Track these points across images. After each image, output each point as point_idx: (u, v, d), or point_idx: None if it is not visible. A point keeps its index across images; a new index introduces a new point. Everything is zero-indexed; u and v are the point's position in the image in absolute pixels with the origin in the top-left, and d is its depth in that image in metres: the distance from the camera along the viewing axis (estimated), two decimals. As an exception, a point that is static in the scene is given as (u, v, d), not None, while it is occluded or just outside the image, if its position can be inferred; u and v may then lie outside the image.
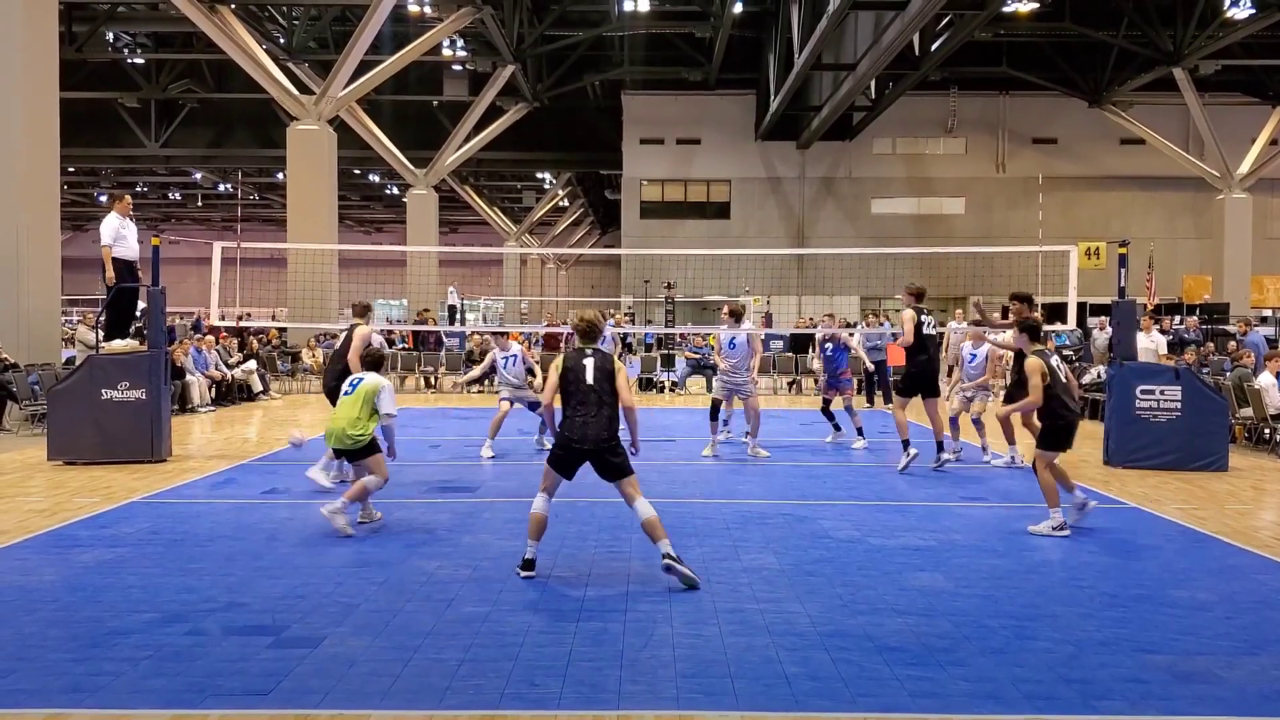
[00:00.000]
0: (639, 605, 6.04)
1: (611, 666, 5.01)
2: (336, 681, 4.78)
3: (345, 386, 8.46)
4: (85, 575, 6.67)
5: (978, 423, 12.50)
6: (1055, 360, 8.41)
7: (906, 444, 11.24)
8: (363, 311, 10.39)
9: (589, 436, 6.76)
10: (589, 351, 7.06)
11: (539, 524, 6.82)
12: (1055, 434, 8.26)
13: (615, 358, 7.16)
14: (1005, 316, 11.84)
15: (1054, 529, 8.11)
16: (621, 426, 6.90)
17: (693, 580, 6.44)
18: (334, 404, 9.22)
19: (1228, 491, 10.29)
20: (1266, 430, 13.65)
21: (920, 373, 11.33)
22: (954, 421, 12.37)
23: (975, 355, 12.44)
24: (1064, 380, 8.36)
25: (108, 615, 5.78)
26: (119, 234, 13.11)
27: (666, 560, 6.50)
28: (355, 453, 8.22)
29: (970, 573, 6.89)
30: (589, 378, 6.90)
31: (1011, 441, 11.73)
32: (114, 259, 13.34)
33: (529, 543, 6.81)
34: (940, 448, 11.42)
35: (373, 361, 8.60)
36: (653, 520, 6.63)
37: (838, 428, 14.00)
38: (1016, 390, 10.28)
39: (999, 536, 8.08)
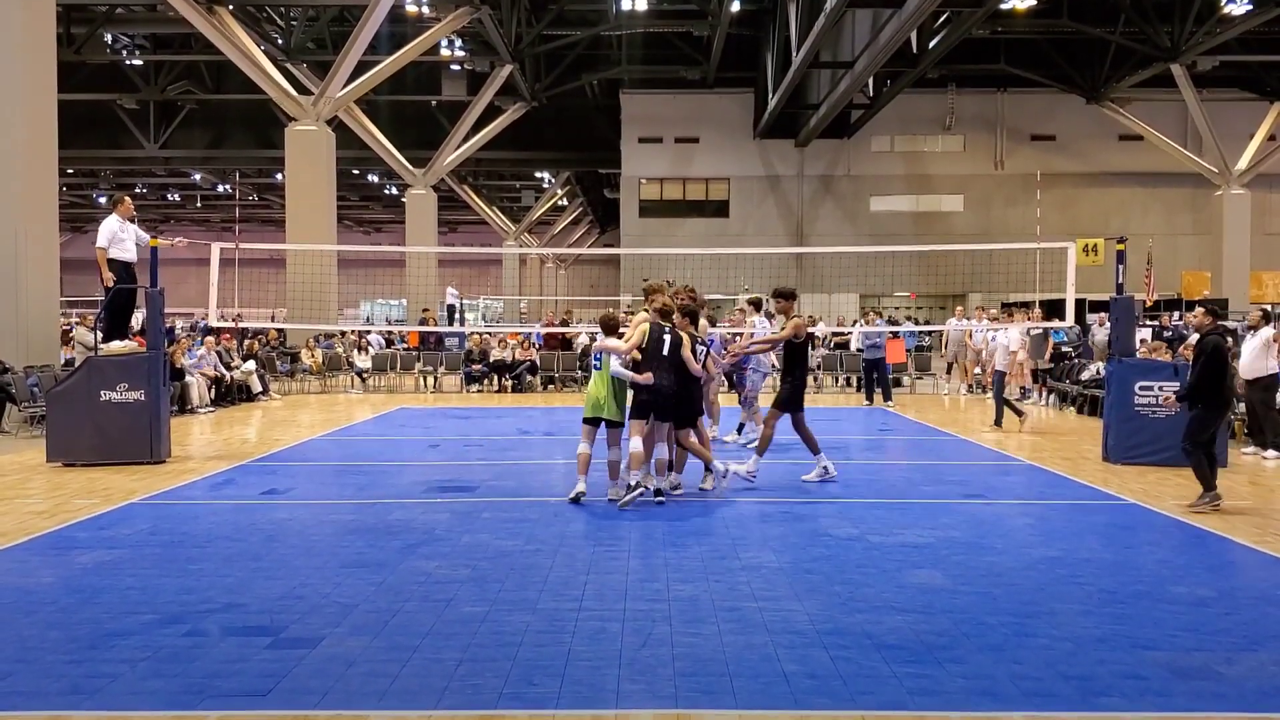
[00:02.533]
0: (637, 604, 6.04)
1: (610, 665, 5.01)
2: (335, 682, 4.78)
3: (593, 361, 9.68)
4: (84, 577, 6.67)
5: None
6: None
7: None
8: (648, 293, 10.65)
9: (662, 391, 9.13)
10: (666, 329, 9.42)
11: (639, 458, 9.13)
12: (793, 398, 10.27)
13: (683, 334, 9.44)
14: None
15: (748, 473, 10.03)
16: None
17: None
18: None
19: (1226, 487, 10.23)
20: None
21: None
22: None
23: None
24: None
25: (106, 617, 5.78)
26: (116, 237, 13.07)
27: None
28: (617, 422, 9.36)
29: (969, 570, 6.89)
30: (665, 350, 9.28)
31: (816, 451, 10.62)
32: (114, 260, 13.33)
33: (632, 471, 9.10)
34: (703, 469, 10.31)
35: (605, 327, 9.70)
36: (697, 449, 9.67)
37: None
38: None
39: (998, 534, 8.08)
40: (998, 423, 15.43)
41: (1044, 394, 19.57)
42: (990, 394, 16.46)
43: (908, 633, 5.52)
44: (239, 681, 4.78)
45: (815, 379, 23.76)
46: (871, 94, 36.43)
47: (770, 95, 34.94)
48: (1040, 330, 20.06)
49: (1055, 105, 39.70)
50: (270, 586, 6.44)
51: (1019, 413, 15.39)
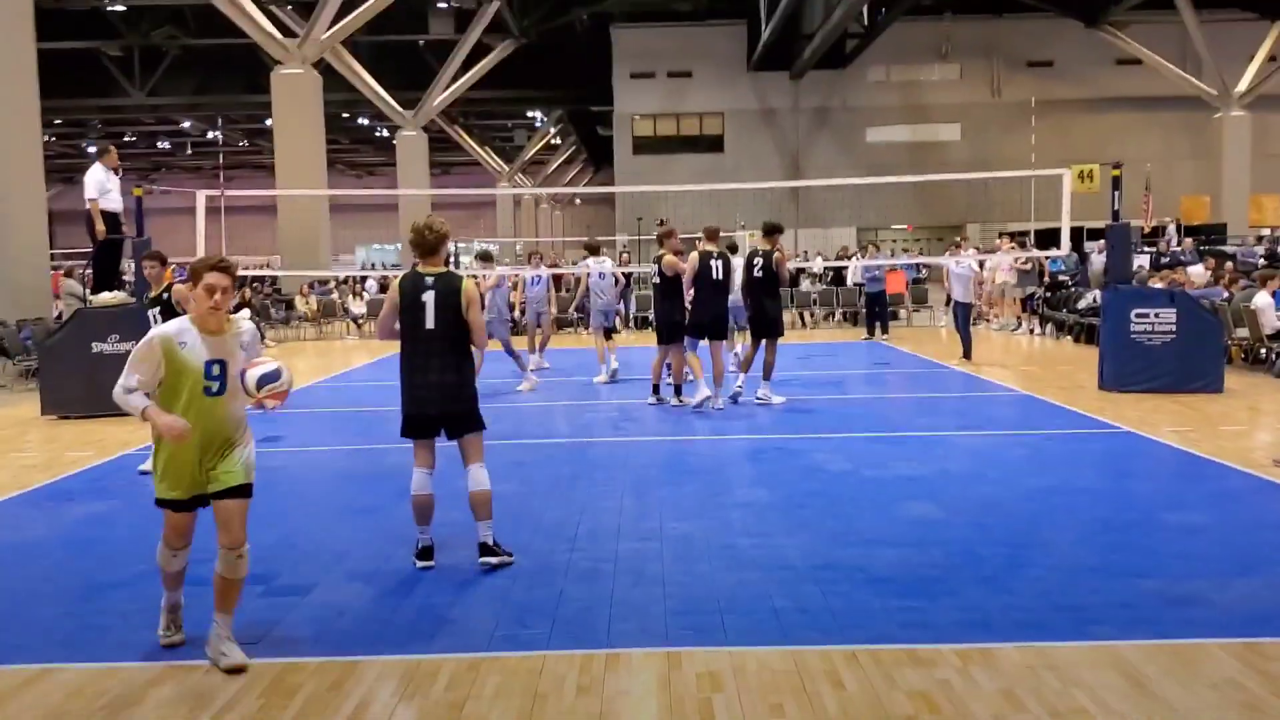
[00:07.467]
0: (630, 543, 6.03)
1: (602, 606, 5.00)
2: (326, 628, 4.79)
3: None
4: (77, 529, 6.67)
5: None
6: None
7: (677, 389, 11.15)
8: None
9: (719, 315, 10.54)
10: (716, 254, 10.24)
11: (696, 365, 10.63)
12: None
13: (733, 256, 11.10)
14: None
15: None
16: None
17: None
18: None
19: (1222, 413, 10.25)
20: (1263, 350, 13.59)
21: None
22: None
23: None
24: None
25: (98, 568, 5.78)
26: (104, 187, 12.93)
27: None
28: None
29: (963, 502, 6.88)
30: (720, 274, 10.23)
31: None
32: (101, 211, 13.19)
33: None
34: (678, 391, 11.14)
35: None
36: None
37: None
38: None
39: (993, 465, 8.07)
40: (966, 355, 15.16)
41: (1037, 323, 19.48)
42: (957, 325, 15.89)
43: (900, 566, 5.52)
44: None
45: (812, 314, 23.66)
46: (866, 23, 35.81)
47: (763, 26, 34.37)
48: (1029, 266, 19.86)
49: (1052, 30, 38.96)
50: (263, 534, 6.36)
51: (967, 351, 15.22)
